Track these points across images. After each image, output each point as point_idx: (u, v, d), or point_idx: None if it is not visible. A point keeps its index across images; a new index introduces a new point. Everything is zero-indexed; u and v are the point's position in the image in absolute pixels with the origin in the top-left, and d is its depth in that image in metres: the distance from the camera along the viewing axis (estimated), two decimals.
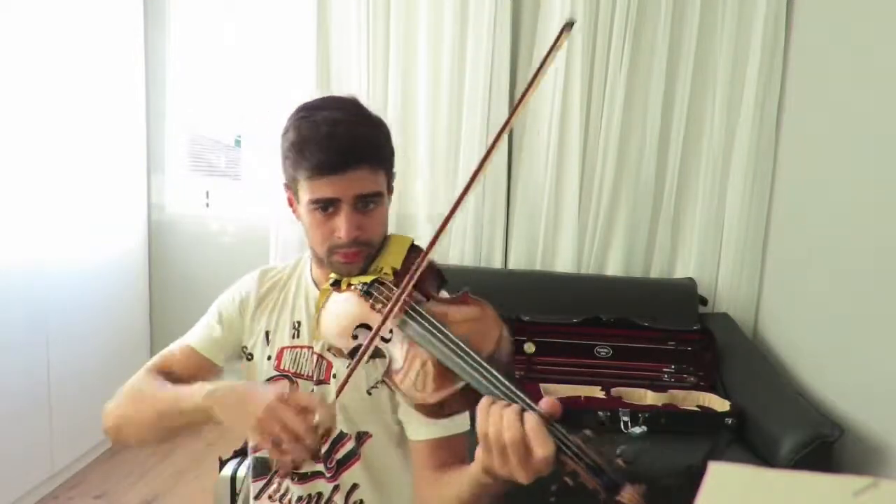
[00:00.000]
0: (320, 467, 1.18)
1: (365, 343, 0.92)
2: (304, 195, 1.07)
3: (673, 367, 2.51)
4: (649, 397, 2.35)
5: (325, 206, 1.05)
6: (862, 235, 2.11)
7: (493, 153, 0.92)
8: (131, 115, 3.06)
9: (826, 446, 1.93)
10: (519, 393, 0.80)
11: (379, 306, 0.97)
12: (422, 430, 1.09)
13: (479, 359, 0.83)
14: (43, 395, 2.51)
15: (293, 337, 1.20)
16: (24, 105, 2.38)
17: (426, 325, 0.89)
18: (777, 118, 2.70)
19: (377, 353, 0.95)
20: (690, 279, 2.78)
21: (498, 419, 0.79)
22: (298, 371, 1.19)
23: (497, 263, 2.88)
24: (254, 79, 3.13)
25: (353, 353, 0.97)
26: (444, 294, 1.07)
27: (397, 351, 0.92)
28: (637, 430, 2.20)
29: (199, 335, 1.25)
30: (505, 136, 0.94)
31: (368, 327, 0.97)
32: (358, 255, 1.07)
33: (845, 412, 2.09)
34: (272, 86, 2.95)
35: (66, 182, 2.60)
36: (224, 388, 1.00)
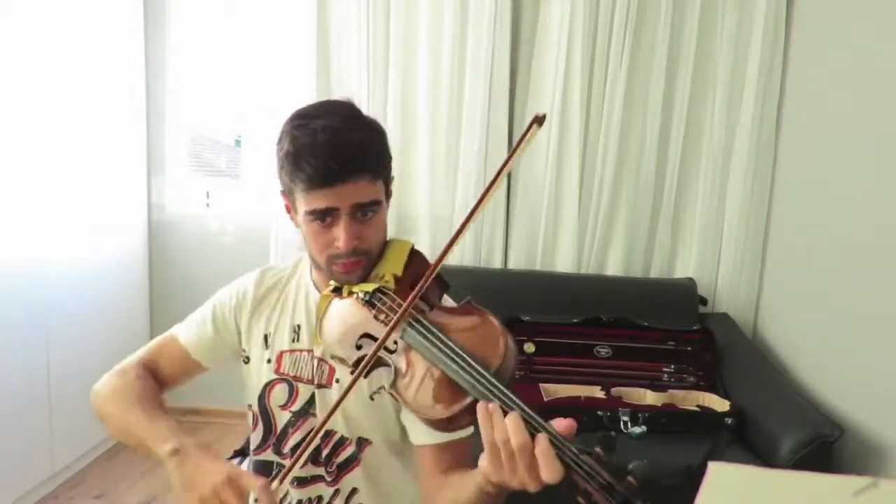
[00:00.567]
0: (320, 471, 1.18)
1: (368, 356, 0.91)
2: (301, 206, 1.05)
3: (673, 366, 2.51)
4: (649, 397, 2.35)
5: (323, 217, 1.03)
6: (862, 235, 2.11)
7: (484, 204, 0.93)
8: (131, 115, 3.05)
9: (826, 446, 1.93)
10: (530, 412, 0.79)
11: (382, 317, 0.96)
12: (425, 435, 1.07)
13: (487, 375, 0.82)
14: (43, 395, 2.51)
15: (293, 340, 1.19)
16: (25, 105, 2.38)
17: (431, 337, 0.88)
18: (777, 118, 2.70)
19: (381, 363, 0.94)
20: (690, 279, 2.78)
21: (502, 427, 0.78)
22: (298, 375, 1.18)
23: (497, 263, 2.88)
24: (254, 79, 3.12)
25: (357, 363, 0.96)
26: (447, 301, 1.06)
27: (402, 362, 0.91)
28: (637, 430, 2.20)
29: (189, 332, 1.24)
30: (499, 183, 0.95)
31: (372, 337, 0.96)
32: (357, 265, 1.06)
33: (845, 412, 2.09)
34: (272, 86, 2.95)
35: (67, 182, 2.60)
36: (186, 451, 0.99)
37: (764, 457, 2.07)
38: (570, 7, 2.67)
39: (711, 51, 2.73)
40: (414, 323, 0.91)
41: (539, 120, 0.88)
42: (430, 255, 2.77)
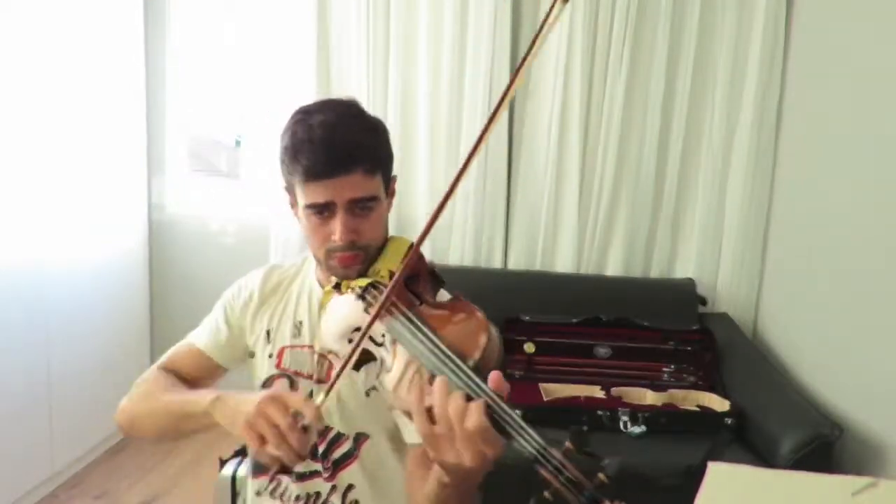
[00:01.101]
0: (318, 467, 1.18)
1: (352, 345, 0.91)
2: (301, 199, 1.08)
3: (673, 366, 2.51)
4: (649, 397, 2.35)
5: (321, 210, 1.06)
6: (862, 235, 2.11)
7: (493, 126, 0.92)
8: (131, 115, 3.05)
9: (826, 446, 1.93)
10: (503, 404, 0.78)
11: (372, 310, 0.96)
12: (415, 433, 1.08)
13: (463, 366, 0.82)
14: (43, 395, 2.51)
15: (294, 336, 1.21)
16: (25, 105, 2.38)
17: (413, 328, 0.89)
18: (777, 118, 2.70)
19: (370, 357, 0.95)
20: (690, 279, 2.78)
21: (443, 395, 0.78)
22: (299, 370, 1.20)
23: (497, 263, 2.88)
24: (254, 79, 3.12)
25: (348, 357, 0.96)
26: (440, 296, 1.06)
27: (389, 355, 0.92)
28: (637, 430, 2.20)
29: (206, 337, 1.26)
30: (503, 113, 0.93)
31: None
32: (355, 259, 1.07)
33: (845, 412, 2.09)
34: (272, 86, 2.95)
35: (67, 182, 2.60)
36: (225, 394, 1.03)
37: (764, 457, 2.07)
38: (571, 7, 2.67)
39: (711, 51, 2.73)
40: (399, 316, 0.91)
41: None
42: (431, 256, 2.78)
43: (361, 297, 1.01)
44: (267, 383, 1.21)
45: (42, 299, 2.48)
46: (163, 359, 1.28)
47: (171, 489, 2.66)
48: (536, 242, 2.86)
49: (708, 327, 2.59)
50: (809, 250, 2.44)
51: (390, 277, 1.02)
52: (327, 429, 1.17)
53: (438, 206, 0.90)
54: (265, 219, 3.01)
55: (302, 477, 1.19)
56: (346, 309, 1.02)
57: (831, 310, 2.25)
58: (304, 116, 1.07)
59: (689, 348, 2.52)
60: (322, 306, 1.08)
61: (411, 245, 1.08)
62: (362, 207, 1.06)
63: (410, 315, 0.90)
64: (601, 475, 0.72)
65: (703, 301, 2.75)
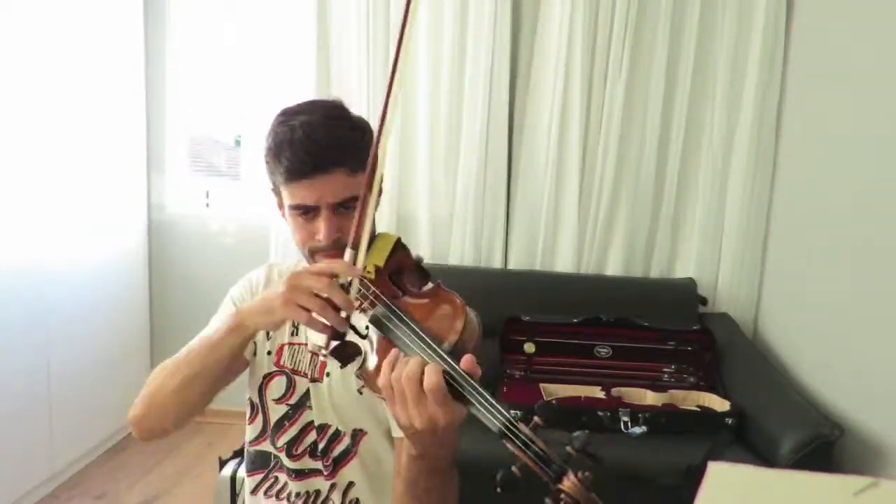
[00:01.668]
0: (317, 465, 1.18)
1: (330, 325, 0.91)
2: (286, 200, 1.08)
3: (673, 367, 2.51)
4: (649, 397, 2.35)
5: (305, 211, 1.06)
6: (862, 235, 2.11)
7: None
8: (131, 115, 3.06)
9: (826, 446, 1.93)
10: (469, 379, 0.80)
11: (357, 304, 0.97)
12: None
13: (438, 349, 0.84)
14: (43, 395, 2.51)
15: (292, 334, 1.22)
16: (25, 105, 2.38)
17: (392, 317, 0.91)
18: (777, 118, 2.70)
19: (356, 352, 0.95)
20: (690, 279, 2.78)
21: (397, 359, 0.82)
22: (296, 368, 1.20)
23: (497, 263, 2.88)
24: (254, 79, 3.12)
25: (333, 352, 0.96)
26: (425, 289, 1.07)
27: (369, 343, 0.93)
28: (637, 430, 2.19)
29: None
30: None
31: (351, 325, 0.96)
32: (339, 258, 1.06)
33: (845, 412, 2.09)
34: (272, 86, 2.95)
35: (67, 182, 2.60)
36: (243, 305, 1.04)
37: (764, 457, 2.07)
38: (570, 7, 2.67)
39: (711, 51, 2.73)
40: (380, 307, 0.93)
41: None
42: (431, 255, 2.77)
43: (344, 289, 1.01)
44: (266, 380, 1.21)
45: (42, 299, 2.48)
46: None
47: (171, 489, 2.66)
48: (536, 242, 2.86)
49: (708, 327, 2.59)
50: (809, 250, 2.44)
51: (376, 272, 1.01)
52: (325, 427, 1.17)
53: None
54: (265, 219, 3.01)
55: (301, 475, 1.19)
56: None
57: (831, 310, 2.25)
58: (287, 118, 1.08)
59: (689, 348, 2.52)
60: None
61: (397, 240, 1.07)
62: (347, 207, 1.06)
63: (391, 305, 0.93)
64: (569, 448, 0.74)
65: (704, 301, 2.75)
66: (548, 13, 2.73)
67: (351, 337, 0.94)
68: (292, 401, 1.19)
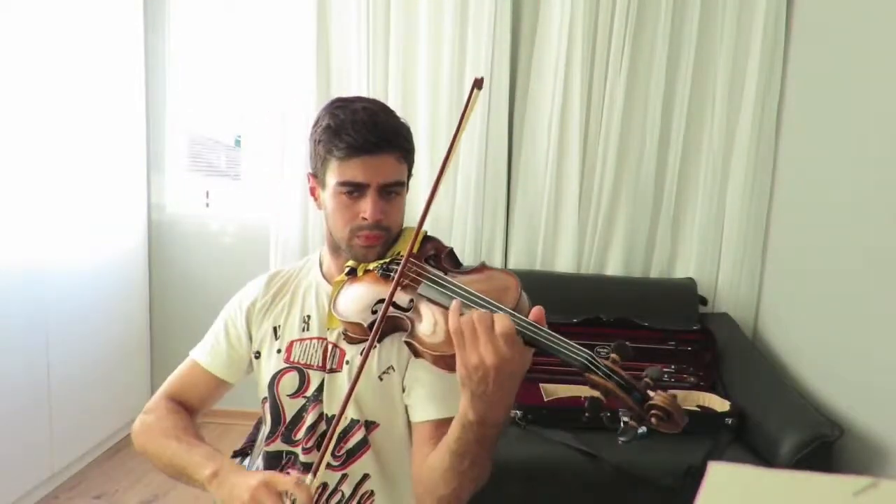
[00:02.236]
0: (328, 457, 1.19)
1: (384, 306, 0.97)
2: (333, 178, 1.12)
3: (673, 367, 2.51)
4: None
5: (352, 190, 1.11)
6: (862, 235, 2.11)
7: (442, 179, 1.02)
8: (131, 115, 3.06)
9: (826, 446, 1.93)
10: (544, 329, 0.87)
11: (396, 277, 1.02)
12: (427, 409, 1.12)
13: (498, 304, 0.88)
14: (43, 395, 2.51)
15: (303, 330, 1.23)
16: (25, 105, 2.38)
17: (443, 282, 0.97)
18: (777, 118, 2.70)
19: (399, 327, 1.00)
20: (690, 279, 2.78)
21: (473, 313, 0.85)
22: (308, 362, 1.21)
23: (497, 263, 2.88)
24: (254, 79, 3.12)
25: (371, 326, 1.01)
26: (469, 267, 1.12)
27: (421, 316, 0.98)
28: (637, 430, 2.19)
29: (207, 352, 1.28)
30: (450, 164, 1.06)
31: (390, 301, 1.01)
32: (378, 239, 1.12)
33: (845, 412, 2.09)
34: (272, 86, 2.95)
35: (66, 182, 2.60)
36: (224, 471, 1.06)
37: (764, 457, 2.07)
38: (570, 7, 2.67)
39: (711, 51, 2.73)
40: (425, 280, 0.99)
41: (478, 83, 0.99)
42: None
43: (386, 271, 1.07)
44: (277, 378, 1.22)
45: (42, 299, 2.48)
46: (167, 382, 1.29)
47: (171, 489, 2.66)
48: (536, 242, 2.86)
49: (708, 327, 2.59)
50: (809, 250, 2.44)
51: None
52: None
53: (429, 199, 1.00)
54: (265, 219, 3.01)
55: (309, 468, 1.20)
56: (367, 286, 1.08)
57: (831, 310, 2.25)
58: (345, 103, 1.14)
59: (689, 348, 2.52)
60: (332, 295, 1.11)
61: (426, 234, 1.15)
62: (389, 192, 1.13)
63: (439, 277, 0.99)
64: (646, 379, 0.84)
65: (704, 301, 2.75)
66: (548, 13, 2.73)
67: (390, 312, 0.99)
68: (308, 393, 1.21)
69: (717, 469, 0.47)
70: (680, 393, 2.39)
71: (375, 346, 1.15)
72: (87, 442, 2.78)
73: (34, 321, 2.46)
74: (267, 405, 1.24)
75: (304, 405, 1.21)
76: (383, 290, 1.02)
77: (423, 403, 1.13)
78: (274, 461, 1.24)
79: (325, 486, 1.20)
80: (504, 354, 0.83)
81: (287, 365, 1.22)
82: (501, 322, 0.84)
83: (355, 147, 1.09)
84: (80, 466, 2.76)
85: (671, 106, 2.76)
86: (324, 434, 1.19)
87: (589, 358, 0.85)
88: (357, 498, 1.19)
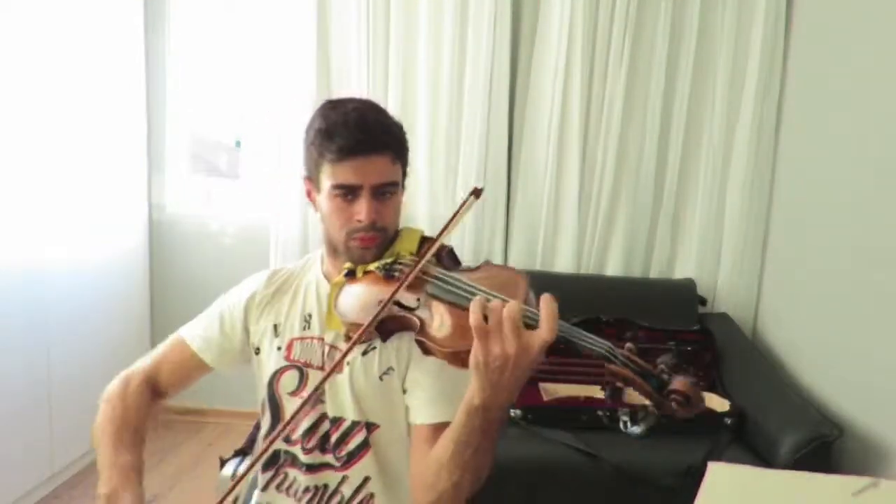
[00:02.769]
0: (328, 458, 1.19)
1: (383, 304, 0.97)
2: (327, 181, 1.12)
3: None
4: None
5: (347, 193, 1.11)
6: (862, 235, 2.11)
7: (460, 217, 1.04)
8: (131, 115, 3.05)
9: (826, 446, 1.93)
10: (563, 323, 0.89)
11: (402, 276, 1.02)
12: (427, 412, 1.11)
13: (512, 300, 0.88)
14: (43, 395, 2.51)
15: (304, 329, 1.23)
16: (25, 105, 2.38)
17: (452, 286, 0.97)
18: (777, 118, 2.70)
19: (407, 326, 1.00)
20: (690, 279, 2.78)
21: (499, 305, 0.85)
22: (308, 361, 1.21)
23: (497, 263, 2.88)
24: (254, 79, 3.12)
25: (378, 328, 1.01)
26: (473, 266, 1.12)
27: (430, 314, 0.98)
28: (637, 429, 2.20)
29: (196, 333, 1.27)
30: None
31: (395, 301, 1.00)
32: (374, 240, 1.12)
33: (845, 412, 2.09)
34: (272, 87, 2.95)
35: (67, 182, 2.60)
36: (114, 499, 1.08)
37: (764, 457, 2.07)
38: (570, 7, 2.67)
39: (711, 51, 2.73)
40: (433, 280, 1.00)
41: (476, 192, 1.04)
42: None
43: (388, 272, 1.07)
44: (277, 375, 1.22)
45: (42, 299, 2.48)
46: (151, 355, 1.30)
47: (171, 489, 2.66)
48: (536, 242, 2.86)
49: (708, 327, 2.59)
50: (809, 250, 2.44)
51: (411, 256, 1.09)
52: (340, 420, 1.18)
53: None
54: (265, 219, 3.01)
55: (312, 469, 1.20)
56: (369, 286, 1.08)
57: (831, 310, 2.25)
58: (337, 104, 1.14)
59: (689, 348, 2.52)
60: (332, 297, 1.10)
61: (423, 233, 1.16)
62: (384, 192, 1.12)
63: (447, 275, 0.99)
64: (662, 366, 0.88)
65: (703, 301, 2.75)
66: (548, 13, 2.73)
67: (395, 312, 1.00)
68: (305, 393, 1.20)
69: (716, 469, 0.47)
70: None
71: (374, 347, 1.15)
72: (87, 442, 2.75)
73: (34, 321, 2.46)
74: (266, 401, 1.24)
75: (300, 406, 1.21)
76: (386, 291, 1.02)
77: (423, 406, 1.12)
78: (272, 458, 1.24)
79: (325, 487, 1.19)
80: (527, 343, 0.85)
81: (287, 363, 1.22)
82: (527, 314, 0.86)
83: (347, 149, 1.09)
84: (80, 466, 2.76)
85: (671, 106, 2.76)
86: (326, 434, 1.18)
87: (608, 347, 0.89)
88: (357, 500, 1.19)
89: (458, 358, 0.92)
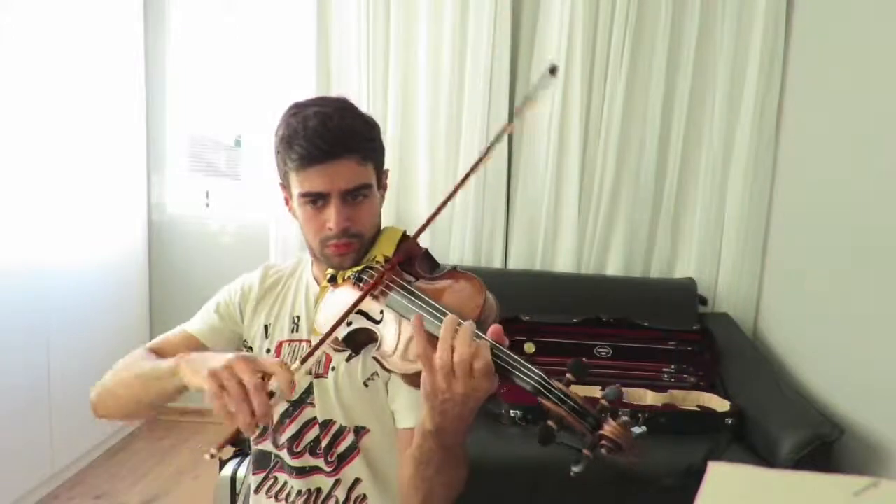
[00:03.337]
0: (319, 463, 1.19)
1: (345, 312, 0.94)
2: (295, 189, 1.09)
3: (673, 367, 2.51)
4: (649, 397, 2.35)
5: (315, 200, 1.08)
6: (862, 235, 2.11)
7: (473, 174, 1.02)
8: (131, 115, 3.06)
9: (826, 446, 1.93)
10: (503, 349, 0.84)
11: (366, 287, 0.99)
12: (409, 417, 1.11)
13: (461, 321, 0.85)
14: (43, 395, 2.51)
15: (292, 331, 1.22)
16: (25, 106, 2.38)
17: (411, 298, 0.93)
18: (777, 118, 2.70)
19: (369, 338, 0.98)
20: (690, 279, 2.77)
21: (448, 350, 0.82)
22: None
23: (497, 263, 2.88)
24: (254, 79, 3.13)
25: (346, 340, 0.99)
26: (440, 273, 1.09)
27: (389, 330, 0.95)
28: (637, 430, 2.19)
29: (197, 322, 1.27)
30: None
31: (363, 313, 0.99)
32: (349, 247, 1.09)
33: (845, 412, 2.09)
34: (272, 86, 2.95)
35: (66, 182, 2.60)
36: (193, 355, 1.01)
37: (764, 457, 2.07)
38: (570, 7, 2.67)
39: (711, 51, 2.73)
40: (396, 289, 0.96)
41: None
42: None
43: (358, 279, 1.04)
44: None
45: (42, 299, 2.48)
46: (150, 343, 1.28)
47: (171, 489, 2.66)
48: (536, 242, 2.86)
49: (708, 327, 2.59)
50: (809, 250, 2.44)
51: (385, 261, 1.05)
52: (329, 424, 1.18)
53: (437, 207, 0.96)
54: (265, 219, 3.01)
55: (302, 473, 1.20)
56: (343, 296, 1.05)
57: (831, 310, 2.25)
58: (299, 109, 1.09)
59: (689, 348, 2.52)
60: (319, 301, 1.09)
61: (404, 233, 1.12)
62: (355, 196, 1.08)
63: (408, 287, 0.95)
64: (602, 401, 0.80)
65: (703, 301, 2.74)
66: (548, 13, 2.73)
67: (364, 324, 0.97)
68: (292, 397, 1.18)
69: (716, 469, 0.47)
70: (680, 393, 2.39)
71: (351, 354, 1.11)
72: (87, 442, 2.78)
73: (34, 321, 2.46)
74: None
75: (286, 409, 1.20)
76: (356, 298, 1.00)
77: (405, 410, 1.12)
78: (263, 460, 1.24)
79: (319, 491, 1.19)
80: (477, 386, 0.82)
81: None
82: (482, 360, 0.82)
83: (307, 157, 1.04)
84: (80, 466, 2.76)
85: (671, 106, 2.76)
86: (317, 438, 1.18)
87: (540, 381, 0.82)
88: (351, 502, 1.19)
89: (411, 380, 0.90)
